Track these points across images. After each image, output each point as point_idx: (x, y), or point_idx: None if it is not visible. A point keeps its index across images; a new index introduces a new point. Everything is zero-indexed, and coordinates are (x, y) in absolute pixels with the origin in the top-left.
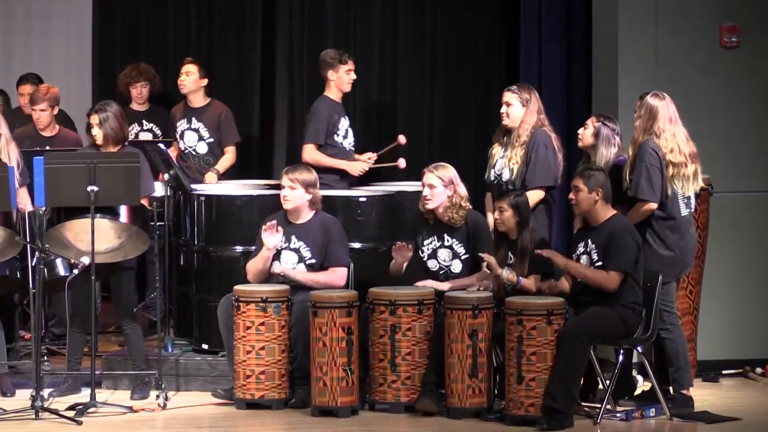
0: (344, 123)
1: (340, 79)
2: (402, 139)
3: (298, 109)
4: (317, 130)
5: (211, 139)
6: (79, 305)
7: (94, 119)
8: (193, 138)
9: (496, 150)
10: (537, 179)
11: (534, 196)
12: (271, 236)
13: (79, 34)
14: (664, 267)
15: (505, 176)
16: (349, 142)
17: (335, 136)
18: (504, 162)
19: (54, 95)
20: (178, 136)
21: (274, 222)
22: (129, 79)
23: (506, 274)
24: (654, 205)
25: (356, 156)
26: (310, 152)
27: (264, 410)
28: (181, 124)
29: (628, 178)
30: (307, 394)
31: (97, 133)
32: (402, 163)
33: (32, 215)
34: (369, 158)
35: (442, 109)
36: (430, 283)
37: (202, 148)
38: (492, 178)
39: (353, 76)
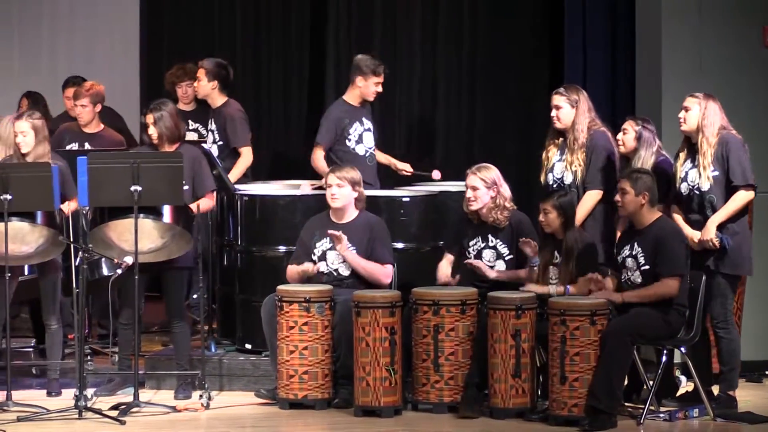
0: (358, 128)
1: (367, 89)
2: (436, 174)
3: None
4: (324, 132)
5: (220, 142)
6: (126, 303)
7: (149, 118)
8: (210, 139)
9: (552, 153)
10: (597, 181)
11: (593, 197)
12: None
13: (126, 34)
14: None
15: (567, 180)
16: (365, 147)
17: (346, 141)
18: (564, 166)
19: (96, 92)
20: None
21: (310, 267)
22: (175, 79)
23: (553, 290)
24: (752, 195)
25: (393, 160)
26: (316, 155)
27: (307, 410)
28: (210, 124)
29: (712, 176)
30: (350, 394)
31: (153, 132)
32: (436, 174)
33: (76, 215)
34: (403, 170)
35: (484, 109)
36: (478, 263)
37: (214, 150)
38: (551, 182)
39: (380, 89)
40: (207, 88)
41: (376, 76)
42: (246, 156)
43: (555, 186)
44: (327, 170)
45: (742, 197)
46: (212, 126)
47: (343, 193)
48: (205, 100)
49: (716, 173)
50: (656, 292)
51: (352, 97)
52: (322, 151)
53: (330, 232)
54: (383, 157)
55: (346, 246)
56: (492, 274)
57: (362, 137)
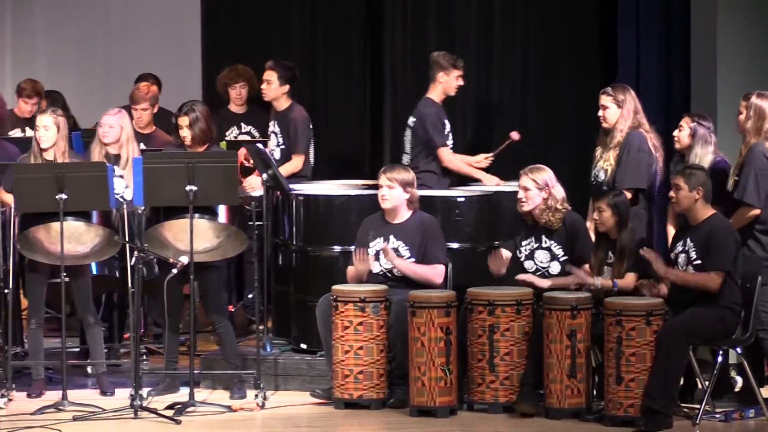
0: (447, 124)
1: (449, 84)
2: (515, 135)
3: (402, 110)
4: (438, 132)
5: (283, 145)
6: (172, 304)
7: (184, 120)
8: (273, 142)
9: (598, 152)
10: (626, 180)
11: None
12: (361, 263)
13: (187, 35)
14: (764, 270)
15: (601, 177)
16: (450, 143)
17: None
18: (601, 163)
19: (154, 94)
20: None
21: (363, 251)
22: (228, 81)
23: (599, 282)
24: (758, 212)
25: (467, 158)
26: (448, 156)
27: (362, 410)
28: (271, 126)
29: (733, 180)
30: (406, 394)
31: (186, 133)
32: (515, 135)
33: (131, 215)
34: (486, 158)
35: (537, 110)
36: (530, 278)
37: (277, 154)
38: (592, 180)
39: (461, 82)
40: (278, 91)
41: (456, 69)
42: (296, 163)
43: (594, 184)
44: (464, 170)
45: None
46: (275, 128)
47: (393, 195)
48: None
49: None
50: (697, 280)
51: (436, 94)
52: (448, 149)
53: (384, 246)
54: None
55: (393, 257)
56: (545, 284)
57: (449, 134)
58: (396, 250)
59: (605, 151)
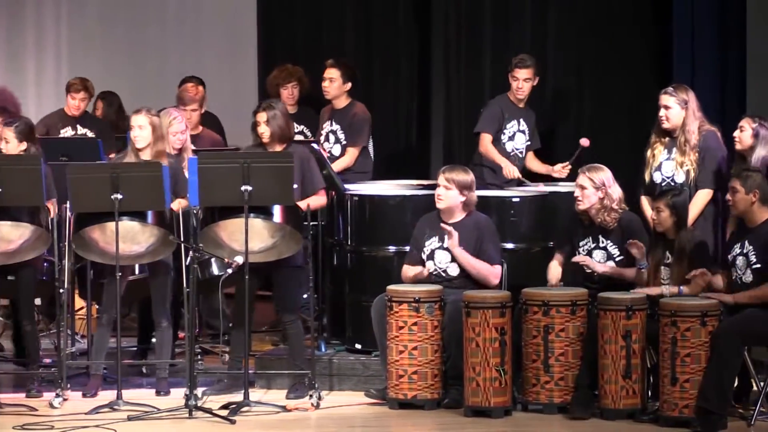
0: (514, 125)
1: (513, 84)
2: (585, 142)
3: (454, 109)
4: (486, 120)
5: (345, 142)
6: (243, 304)
7: (262, 117)
8: (331, 140)
9: (659, 151)
10: (708, 181)
11: (705, 196)
12: (419, 275)
13: (242, 36)
14: None
15: (679, 179)
16: (514, 145)
17: (502, 135)
18: (674, 165)
19: (203, 95)
20: (322, 138)
21: (423, 270)
22: (280, 81)
23: (667, 290)
24: None
25: (548, 167)
26: (484, 142)
27: (417, 410)
28: (326, 126)
29: None
30: (460, 395)
31: (264, 130)
32: (584, 141)
33: (186, 214)
34: (564, 167)
35: (592, 110)
36: (588, 261)
37: (336, 150)
38: (658, 181)
39: (520, 85)
40: (341, 89)
41: (515, 68)
42: (350, 157)
43: (664, 185)
44: (493, 156)
45: None
46: (332, 126)
47: (448, 195)
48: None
49: None
50: (766, 293)
51: (512, 93)
52: (489, 136)
53: (443, 225)
54: (540, 166)
55: (456, 242)
56: (600, 268)
57: (515, 136)
58: (449, 250)
59: (677, 154)
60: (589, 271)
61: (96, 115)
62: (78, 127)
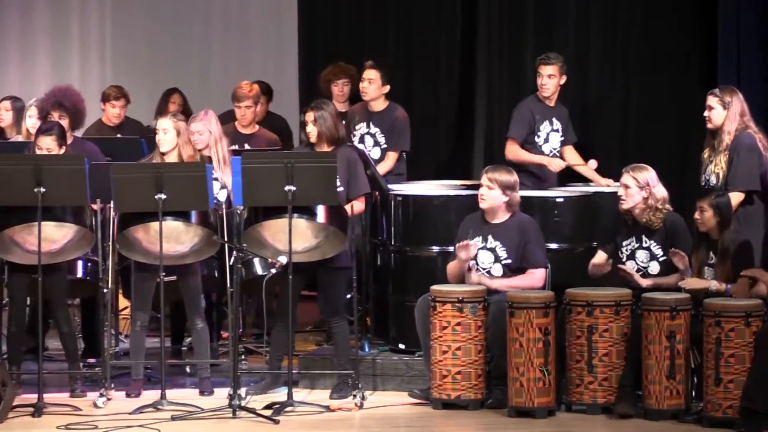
0: (546, 126)
1: (538, 82)
2: (592, 164)
3: (496, 109)
4: (516, 124)
5: (386, 145)
6: (281, 303)
7: (310, 116)
8: (369, 142)
9: (707, 154)
10: (738, 182)
11: (734, 198)
12: (464, 251)
13: (283, 34)
14: None
15: (713, 181)
16: (550, 147)
17: (536, 137)
18: (711, 167)
19: (257, 92)
20: (356, 140)
21: (467, 242)
22: (332, 77)
23: (714, 285)
24: None
25: (596, 177)
26: (509, 148)
27: (460, 410)
28: (361, 128)
29: None
30: (504, 395)
31: (312, 130)
32: (592, 164)
33: (230, 214)
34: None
35: (638, 110)
36: (629, 270)
37: (376, 153)
38: (702, 183)
39: (544, 81)
40: (380, 91)
41: (538, 67)
42: (392, 160)
43: (705, 187)
44: (525, 158)
45: None
46: (370, 129)
47: (491, 195)
48: (358, 101)
49: None
50: None
51: (540, 92)
52: (516, 144)
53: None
54: (576, 158)
55: (487, 280)
56: (644, 283)
57: (549, 137)
58: (493, 250)
59: (715, 155)
60: (645, 286)
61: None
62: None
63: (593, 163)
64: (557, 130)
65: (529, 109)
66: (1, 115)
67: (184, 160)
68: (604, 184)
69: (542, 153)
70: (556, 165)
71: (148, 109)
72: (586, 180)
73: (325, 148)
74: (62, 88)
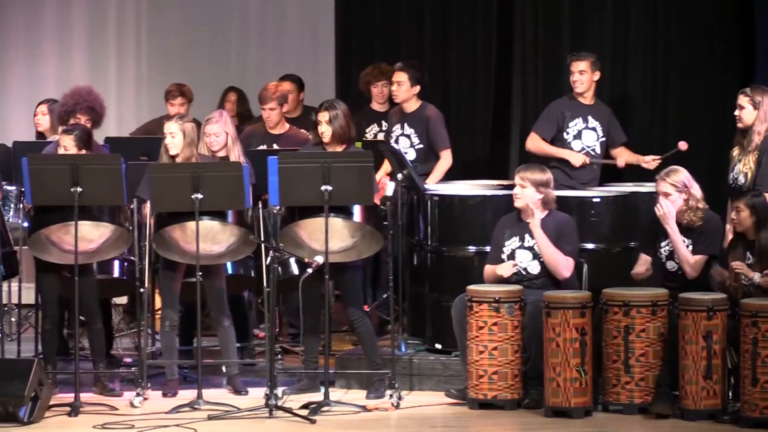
0: (579, 123)
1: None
2: (683, 145)
3: (533, 109)
4: (540, 121)
5: (420, 145)
6: (309, 304)
7: (323, 116)
8: (405, 143)
9: (736, 152)
10: (767, 183)
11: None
12: (504, 271)
13: (320, 33)
14: None
15: (740, 180)
16: (583, 143)
17: (564, 134)
18: (740, 166)
19: (282, 93)
20: (393, 141)
21: (510, 264)
22: (371, 78)
23: (758, 277)
24: None
25: (640, 158)
26: (531, 140)
27: (497, 410)
28: (396, 129)
29: None
30: (541, 395)
31: (325, 130)
32: (683, 145)
33: (266, 214)
34: (654, 160)
35: (676, 108)
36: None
37: (411, 155)
38: (730, 182)
39: (575, 78)
40: (410, 92)
41: (569, 65)
42: (446, 159)
43: (733, 186)
44: (548, 150)
45: None
46: (405, 130)
47: (525, 194)
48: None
49: None
50: None
51: (573, 90)
52: (536, 136)
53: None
54: (630, 156)
55: (538, 222)
56: (757, 278)
57: (581, 134)
58: (531, 248)
59: (744, 155)
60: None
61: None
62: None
63: (683, 145)
64: (593, 129)
65: (559, 107)
66: (38, 119)
67: (184, 161)
68: (649, 161)
69: (571, 150)
70: (577, 160)
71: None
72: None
73: (337, 148)
74: (88, 90)
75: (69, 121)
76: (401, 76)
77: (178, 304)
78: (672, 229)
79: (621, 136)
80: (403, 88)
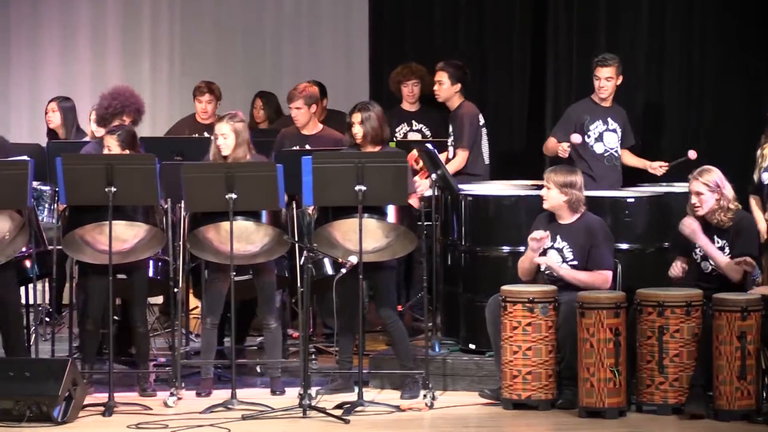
0: (599, 126)
1: (595, 84)
2: (692, 154)
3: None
4: (559, 124)
5: (454, 144)
6: (345, 304)
7: (356, 117)
8: (449, 142)
9: (766, 151)
10: None
11: None
12: (536, 241)
13: (353, 34)
14: None
15: (765, 180)
16: (603, 146)
17: (586, 137)
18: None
19: (310, 94)
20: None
21: (541, 233)
22: (401, 78)
23: None
24: None
25: (646, 162)
26: (545, 144)
27: (531, 411)
28: (450, 129)
29: None
30: (575, 395)
31: (358, 131)
32: (692, 154)
33: (301, 214)
34: (661, 166)
35: (712, 107)
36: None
37: (451, 152)
38: (766, 182)
39: (601, 84)
40: (450, 90)
41: (595, 69)
42: (459, 158)
43: (759, 185)
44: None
45: None
46: (450, 129)
47: (550, 195)
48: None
49: None
50: None
51: (596, 94)
52: (554, 139)
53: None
54: (635, 160)
55: (557, 265)
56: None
57: (602, 136)
58: (561, 250)
59: None
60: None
61: (253, 114)
62: (205, 134)
63: (693, 154)
64: (614, 130)
65: (578, 111)
66: (49, 116)
67: (234, 160)
68: (656, 167)
69: (595, 153)
70: (562, 148)
71: (219, 109)
72: (656, 179)
73: (370, 149)
74: (131, 91)
75: (113, 122)
76: (440, 75)
77: (223, 305)
78: (704, 243)
79: (630, 139)
80: (444, 87)
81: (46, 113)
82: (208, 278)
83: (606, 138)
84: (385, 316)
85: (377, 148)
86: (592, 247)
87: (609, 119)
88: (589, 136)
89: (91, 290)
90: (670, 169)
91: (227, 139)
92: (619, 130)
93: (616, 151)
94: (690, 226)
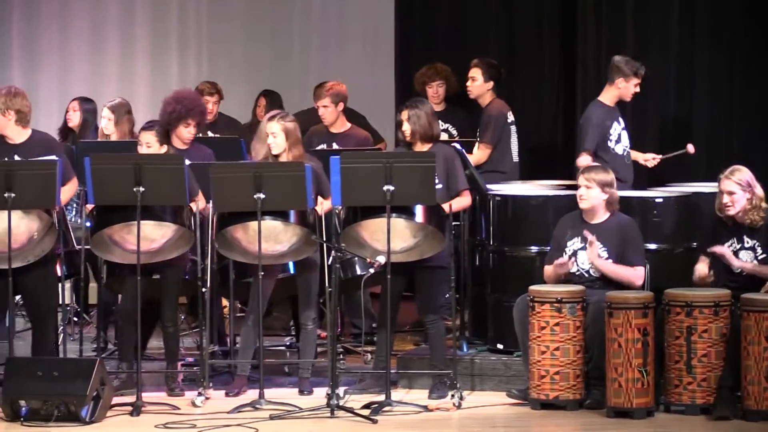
0: (617, 127)
1: (627, 90)
2: (691, 148)
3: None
4: (591, 137)
5: (478, 140)
6: (380, 303)
7: (404, 115)
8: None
9: None
10: None
11: None
12: (561, 268)
13: (380, 34)
14: None
15: None
16: (622, 147)
17: (608, 142)
18: None
19: (337, 92)
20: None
21: (564, 260)
22: (426, 79)
23: None
24: None
25: (636, 154)
26: (582, 162)
27: (558, 411)
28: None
29: None
30: (603, 395)
31: (407, 128)
32: (691, 148)
33: (329, 214)
34: (654, 158)
35: (742, 109)
36: (722, 250)
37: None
38: None
39: (638, 89)
40: (483, 88)
41: (636, 77)
42: (479, 154)
43: None
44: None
45: None
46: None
47: (590, 195)
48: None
49: None
50: None
51: (608, 97)
52: (589, 156)
53: (586, 233)
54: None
55: (596, 253)
56: (736, 263)
57: (620, 137)
58: None
59: None
60: (737, 267)
61: (257, 113)
62: (209, 134)
63: (691, 148)
64: (624, 128)
65: (600, 117)
66: (69, 115)
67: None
68: (650, 158)
69: (617, 155)
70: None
71: (246, 108)
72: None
73: (420, 147)
74: (195, 94)
75: (177, 127)
76: (474, 72)
77: (260, 304)
78: (739, 264)
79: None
80: (476, 84)
81: (67, 111)
82: (254, 279)
83: (622, 137)
84: (426, 318)
85: (427, 146)
86: (626, 247)
87: (619, 118)
88: (610, 140)
89: (126, 290)
90: (665, 161)
91: (277, 137)
92: (625, 126)
93: (629, 148)
94: (719, 250)
